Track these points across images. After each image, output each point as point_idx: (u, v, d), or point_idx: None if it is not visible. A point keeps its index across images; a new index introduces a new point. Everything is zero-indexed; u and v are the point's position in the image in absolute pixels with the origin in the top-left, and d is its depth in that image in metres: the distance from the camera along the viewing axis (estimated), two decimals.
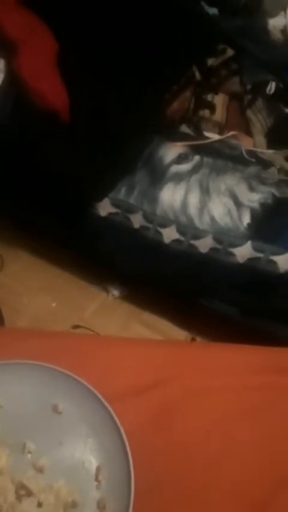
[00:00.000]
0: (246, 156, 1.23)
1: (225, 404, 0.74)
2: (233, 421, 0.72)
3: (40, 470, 0.61)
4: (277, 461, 0.70)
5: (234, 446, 0.70)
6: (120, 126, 1.27)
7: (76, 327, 1.40)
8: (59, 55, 1.23)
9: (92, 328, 1.37)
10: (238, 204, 1.15)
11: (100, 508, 0.60)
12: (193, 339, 1.33)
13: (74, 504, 0.60)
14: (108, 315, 1.47)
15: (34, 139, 1.24)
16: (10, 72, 1.20)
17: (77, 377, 0.67)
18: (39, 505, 0.58)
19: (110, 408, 0.65)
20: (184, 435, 0.70)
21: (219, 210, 1.15)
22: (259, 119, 1.24)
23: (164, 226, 1.20)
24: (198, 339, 1.35)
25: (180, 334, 1.40)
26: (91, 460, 0.63)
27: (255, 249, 1.11)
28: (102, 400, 0.65)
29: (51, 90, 1.18)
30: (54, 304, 1.49)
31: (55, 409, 0.66)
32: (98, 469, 0.63)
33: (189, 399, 0.74)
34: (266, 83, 1.23)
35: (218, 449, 0.69)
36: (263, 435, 0.72)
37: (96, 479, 0.62)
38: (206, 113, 1.30)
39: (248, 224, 1.13)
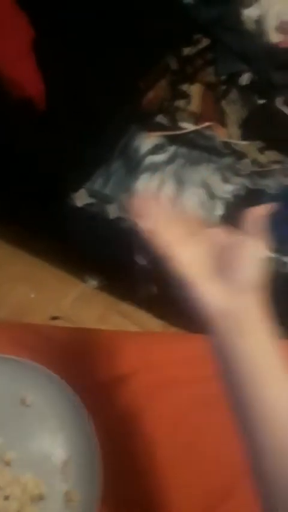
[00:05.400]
0: (220, 147, 1.23)
1: (194, 394, 0.75)
2: (200, 411, 0.73)
3: (7, 463, 0.62)
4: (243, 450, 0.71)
5: (201, 437, 0.71)
6: (97, 115, 1.26)
7: (55, 318, 1.40)
8: (34, 41, 1.21)
9: (70, 319, 1.37)
10: (211, 195, 1.15)
11: (67, 501, 0.61)
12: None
13: (41, 497, 0.61)
14: (86, 305, 1.47)
15: (8, 127, 1.22)
16: None
17: (46, 369, 0.67)
18: (6, 498, 0.59)
19: (79, 400, 0.65)
20: (153, 427, 0.71)
21: (193, 201, 1.16)
22: (233, 110, 1.24)
23: None
24: (175, 329, 1.36)
25: (157, 324, 1.41)
26: (59, 452, 0.64)
27: None
28: (71, 392, 0.66)
29: (26, 77, 1.17)
30: (32, 295, 1.49)
31: (23, 402, 0.67)
32: (65, 462, 0.63)
33: (159, 390, 0.75)
34: (240, 74, 1.22)
35: (185, 439, 0.70)
36: (229, 425, 0.73)
37: (64, 471, 0.63)
38: (181, 103, 1.30)
39: (221, 215, 1.14)
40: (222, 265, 0.45)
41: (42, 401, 0.66)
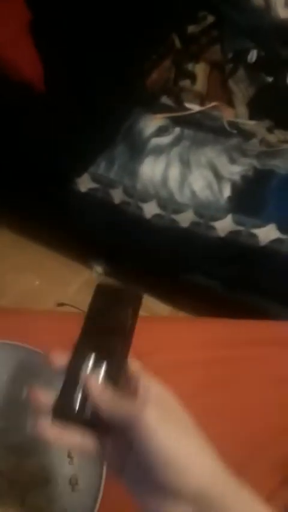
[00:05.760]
0: (227, 127, 1.20)
1: (196, 378, 0.73)
2: (206, 392, 0.72)
3: (11, 449, 0.61)
4: (250, 432, 0.70)
5: (208, 418, 0.69)
6: (99, 97, 1.24)
7: (61, 304, 1.39)
8: (32, 23, 1.18)
9: (76, 305, 1.36)
10: (219, 176, 1.13)
11: (72, 484, 0.60)
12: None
13: (46, 481, 0.59)
14: (92, 291, 1.46)
15: (9, 113, 1.20)
16: None
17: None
18: (10, 482, 0.58)
19: None
20: None
21: (200, 183, 1.13)
22: (240, 89, 1.21)
23: (144, 200, 1.18)
24: (182, 313, 1.34)
25: (164, 309, 1.40)
26: None
27: (236, 222, 1.10)
28: None
29: (22, 59, 1.14)
30: (37, 282, 1.48)
31: (28, 387, 0.65)
32: None
33: (166, 373, 0.73)
34: (247, 51, 1.19)
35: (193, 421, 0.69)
36: (235, 406, 0.72)
37: (69, 455, 0.61)
38: (186, 83, 1.27)
39: (229, 197, 1.11)
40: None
41: (46, 386, 0.65)
